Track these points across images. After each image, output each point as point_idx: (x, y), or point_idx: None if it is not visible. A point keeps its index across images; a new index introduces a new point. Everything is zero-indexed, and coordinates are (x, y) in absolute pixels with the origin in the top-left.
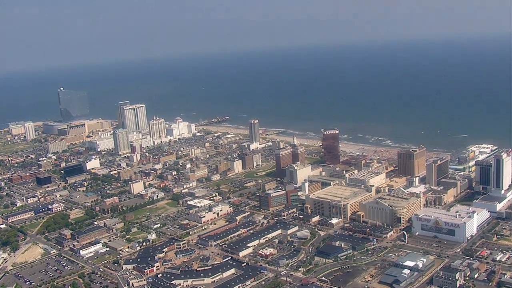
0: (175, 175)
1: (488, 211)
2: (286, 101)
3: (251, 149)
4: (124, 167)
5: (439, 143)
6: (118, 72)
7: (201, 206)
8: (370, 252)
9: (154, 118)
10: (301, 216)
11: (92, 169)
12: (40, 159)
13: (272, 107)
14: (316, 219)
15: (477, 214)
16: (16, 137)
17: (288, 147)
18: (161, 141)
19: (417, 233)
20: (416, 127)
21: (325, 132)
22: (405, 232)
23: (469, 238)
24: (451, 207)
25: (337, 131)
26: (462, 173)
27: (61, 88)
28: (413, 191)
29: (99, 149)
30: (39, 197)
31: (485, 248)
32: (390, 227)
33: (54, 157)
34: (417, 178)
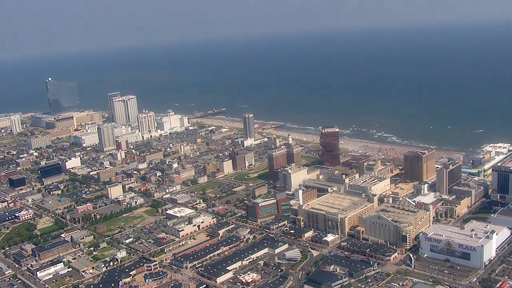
0: (159, 176)
1: (509, 229)
2: (287, 90)
3: (244, 146)
4: (107, 166)
5: (450, 140)
6: (113, 61)
7: (181, 216)
8: (369, 280)
9: (144, 111)
10: (292, 231)
11: (72, 168)
12: (20, 155)
13: (273, 97)
14: (309, 234)
15: (497, 234)
16: (2, 131)
17: (282, 147)
18: (150, 136)
19: (425, 255)
20: (424, 121)
21: (323, 130)
22: (411, 255)
23: (487, 263)
24: (464, 221)
25: (337, 129)
26: (476, 178)
27: (50, 79)
28: (421, 201)
29: (84, 145)
30: (9, 202)
31: (506, 277)
32: (395, 246)
33: (36, 154)
34: (425, 185)
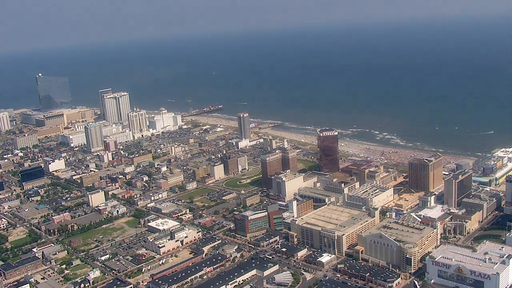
0: (145, 181)
1: None
2: (287, 87)
3: (239, 147)
4: (92, 169)
5: (457, 142)
6: (108, 55)
7: (163, 230)
8: None
9: (135, 109)
10: (284, 249)
11: (56, 171)
12: (4, 156)
13: (274, 93)
14: (303, 253)
15: None
16: None
17: (276, 151)
18: (142, 135)
19: (432, 281)
20: (429, 122)
21: (321, 134)
22: (416, 282)
23: None
24: (475, 239)
25: (336, 132)
26: (488, 188)
27: (40, 74)
28: (427, 215)
29: (72, 145)
30: None
31: None
32: (398, 270)
33: (21, 154)
34: (432, 197)
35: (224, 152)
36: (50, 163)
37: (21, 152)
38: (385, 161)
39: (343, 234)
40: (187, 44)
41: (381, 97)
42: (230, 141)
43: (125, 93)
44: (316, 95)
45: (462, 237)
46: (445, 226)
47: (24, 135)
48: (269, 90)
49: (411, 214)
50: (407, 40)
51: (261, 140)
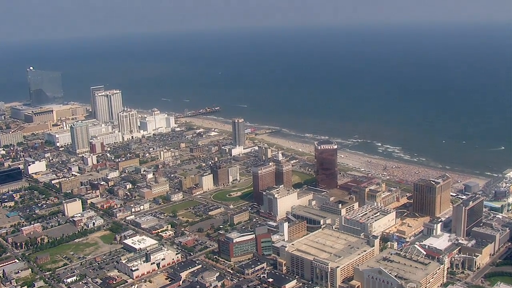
0: (129, 189)
1: None
2: (287, 90)
3: (232, 155)
4: (74, 173)
5: (465, 159)
6: (106, 50)
7: (139, 249)
8: None
9: (125, 108)
10: (270, 279)
11: (35, 173)
12: None
13: (276, 96)
14: (291, 285)
15: None
16: None
17: (270, 164)
18: (132, 137)
19: None
20: (436, 134)
21: (319, 147)
22: None
23: None
24: (486, 276)
25: (335, 146)
26: (500, 215)
27: (31, 68)
28: (433, 246)
29: (58, 144)
30: None
31: None
32: None
33: (4, 153)
34: (439, 225)
35: (216, 160)
36: (30, 165)
37: (3, 150)
38: (388, 177)
39: (338, 266)
40: (193, 40)
41: (385, 105)
42: (223, 147)
43: (118, 91)
44: (316, 100)
45: (471, 273)
46: (453, 259)
47: (9, 132)
48: (270, 92)
49: (415, 245)
50: (416, 45)
51: (256, 148)
